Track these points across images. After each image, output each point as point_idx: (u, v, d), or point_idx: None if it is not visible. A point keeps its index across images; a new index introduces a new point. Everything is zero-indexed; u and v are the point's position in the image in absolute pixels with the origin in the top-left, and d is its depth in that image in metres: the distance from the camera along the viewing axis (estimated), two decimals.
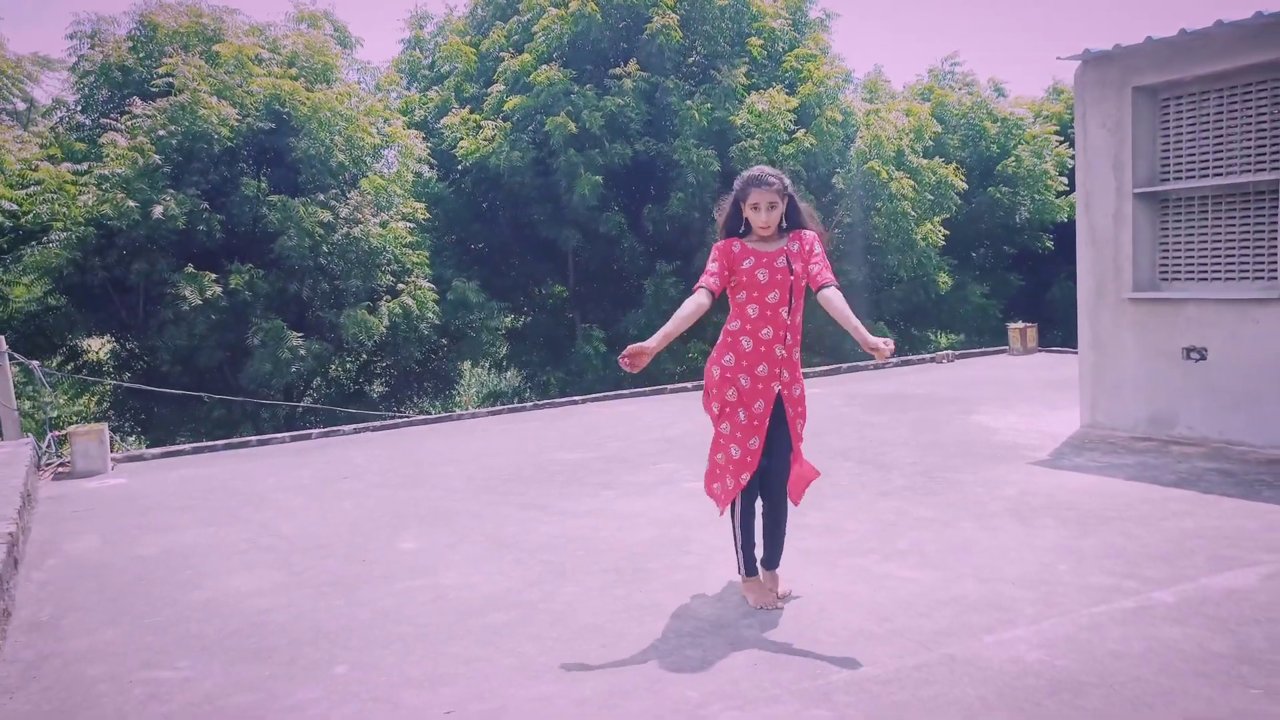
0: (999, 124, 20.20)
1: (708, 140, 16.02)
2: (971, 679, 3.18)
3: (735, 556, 4.05)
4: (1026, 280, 20.85)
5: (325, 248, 13.84)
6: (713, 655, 3.51)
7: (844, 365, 12.49)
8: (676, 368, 16.86)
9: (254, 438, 9.33)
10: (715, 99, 16.25)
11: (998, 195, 19.46)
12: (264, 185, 14.37)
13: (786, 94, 16.42)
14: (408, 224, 14.81)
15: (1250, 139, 6.32)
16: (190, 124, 13.13)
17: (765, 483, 3.94)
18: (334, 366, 15.45)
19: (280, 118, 13.84)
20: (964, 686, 3.13)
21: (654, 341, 3.59)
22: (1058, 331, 18.49)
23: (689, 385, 11.56)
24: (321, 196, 14.04)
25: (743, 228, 3.90)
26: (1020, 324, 13.29)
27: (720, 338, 3.94)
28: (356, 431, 9.54)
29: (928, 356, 12.93)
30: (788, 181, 3.90)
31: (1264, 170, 6.22)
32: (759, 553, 4.05)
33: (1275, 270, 6.23)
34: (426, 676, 3.46)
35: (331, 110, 13.85)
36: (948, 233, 17.88)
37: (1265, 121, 6.22)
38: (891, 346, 3.52)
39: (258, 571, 4.85)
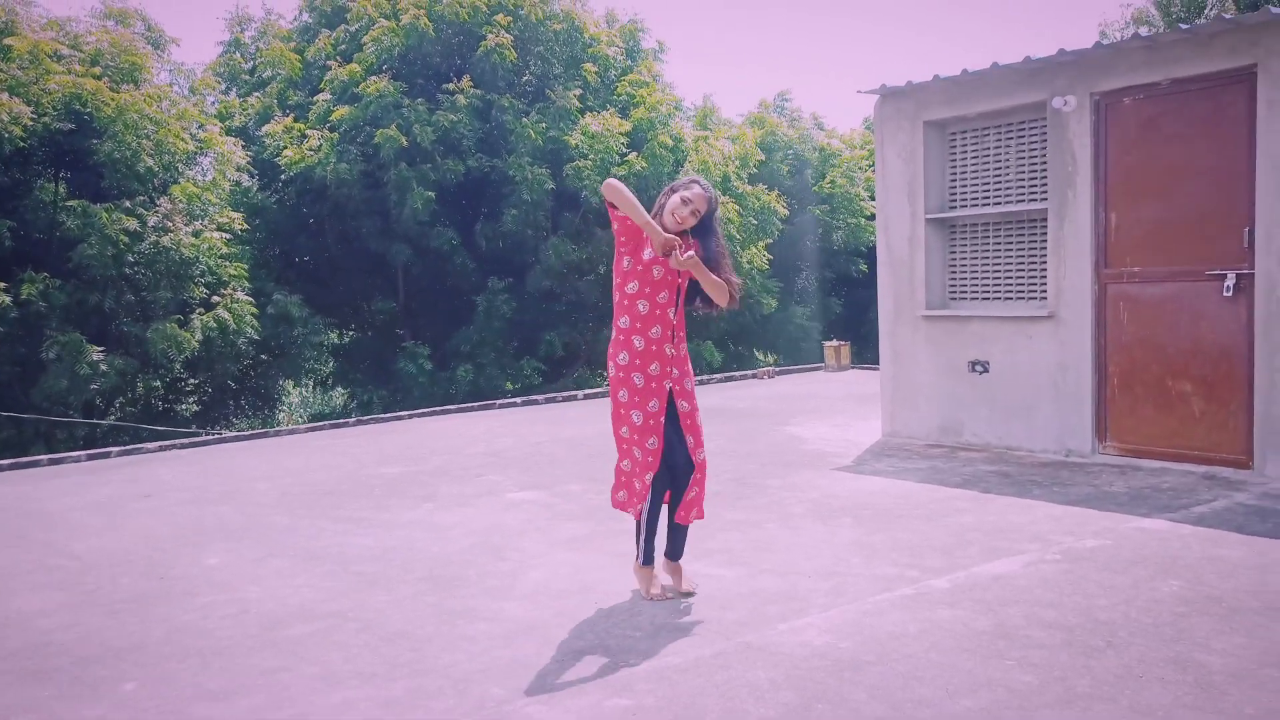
0: (818, 153, 21.34)
1: (542, 159, 16.14)
2: (764, 663, 3.38)
3: (636, 546, 4.14)
4: (845, 302, 22.06)
5: (131, 257, 13.03)
6: (522, 654, 3.57)
7: None
8: (509, 384, 16.82)
9: (44, 456, 8.69)
10: (550, 119, 16.40)
11: (816, 213, 20.56)
12: (62, 189, 13.43)
13: (619, 118, 16.77)
14: (224, 234, 14.16)
15: (1024, 171, 6.99)
16: None
17: (673, 477, 4.05)
18: (140, 383, 14.52)
19: (81, 119, 12.96)
20: (757, 670, 3.32)
21: (641, 220, 3.80)
22: (873, 349, 19.60)
23: (518, 401, 11.59)
24: (128, 203, 13.21)
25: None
26: (835, 342, 14.05)
27: (613, 334, 4.04)
28: (163, 449, 9.04)
29: (750, 373, 13.46)
30: (716, 203, 4.07)
31: (1035, 200, 6.88)
32: (660, 543, 4.20)
33: (1045, 291, 6.88)
34: (223, 689, 3.36)
35: (139, 112, 13.10)
36: (771, 257, 18.66)
37: (1036, 156, 6.89)
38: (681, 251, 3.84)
39: (44, 592, 4.55)
